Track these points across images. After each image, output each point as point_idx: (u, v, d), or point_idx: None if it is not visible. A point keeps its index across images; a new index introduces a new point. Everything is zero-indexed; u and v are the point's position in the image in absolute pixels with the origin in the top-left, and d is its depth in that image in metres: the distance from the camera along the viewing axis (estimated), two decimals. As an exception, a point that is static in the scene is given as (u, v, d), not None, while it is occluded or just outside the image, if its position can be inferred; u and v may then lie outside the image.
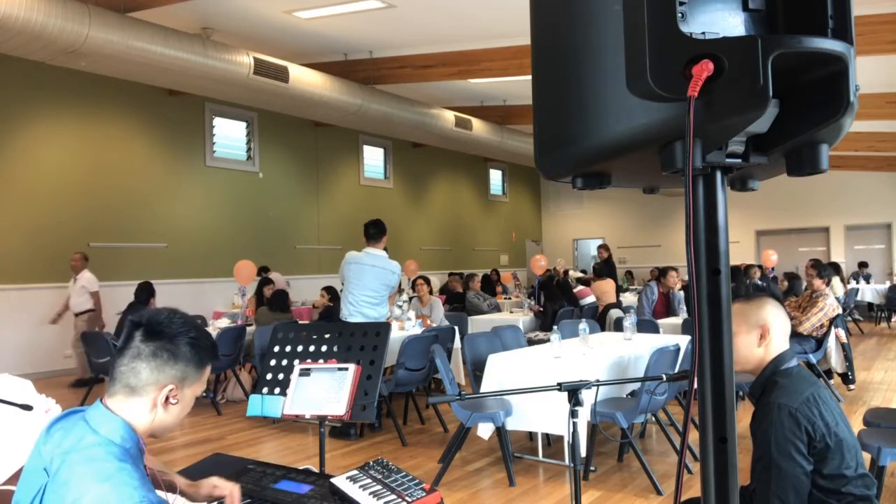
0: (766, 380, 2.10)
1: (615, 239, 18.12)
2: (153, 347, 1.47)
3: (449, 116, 12.43)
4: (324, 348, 2.90)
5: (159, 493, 1.51)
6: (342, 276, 5.82)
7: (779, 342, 2.14)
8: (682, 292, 8.14)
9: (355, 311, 5.68)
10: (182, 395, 1.50)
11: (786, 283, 9.02)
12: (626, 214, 18.68)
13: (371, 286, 5.70)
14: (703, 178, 1.01)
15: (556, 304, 8.71)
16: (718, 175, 1.01)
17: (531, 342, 6.85)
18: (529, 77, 1.10)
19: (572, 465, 2.29)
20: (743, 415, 5.52)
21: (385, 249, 5.83)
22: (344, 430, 5.56)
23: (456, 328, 7.06)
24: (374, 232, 5.77)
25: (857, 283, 14.06)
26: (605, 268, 10.31)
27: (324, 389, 2.71)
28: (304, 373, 2.78)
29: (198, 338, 1.51)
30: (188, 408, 1.55)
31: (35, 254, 9.02)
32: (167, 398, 1.47)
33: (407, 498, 1.80)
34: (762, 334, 2.11)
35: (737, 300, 2.19)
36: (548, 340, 5.31)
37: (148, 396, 1.46)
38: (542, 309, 9.38)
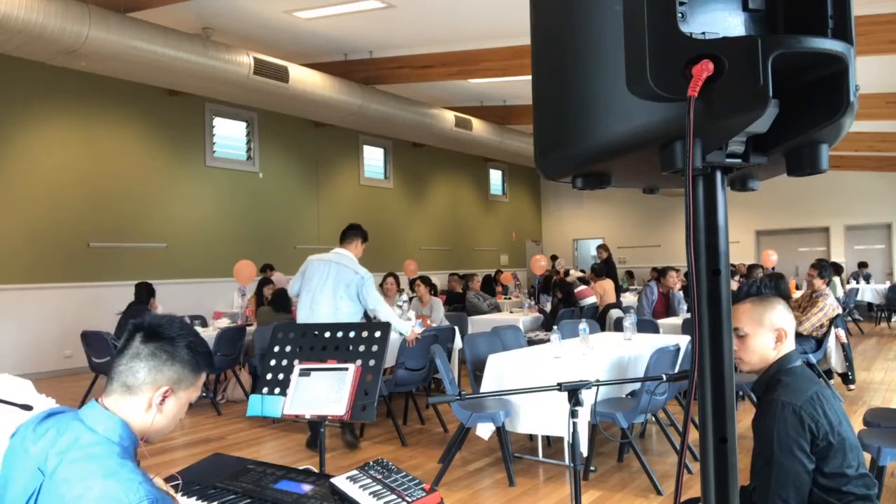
0: (771, 378, 2.10)
1: (615, 239, 18.12)
2: (152, 348, 1.50)
3: (449, 116, 12.43)
4: (324, 348, 2.90)
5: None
6: (300, 281, 5.35)
7: (789, 343, 2.15)
8: (681, 292, 8.14)
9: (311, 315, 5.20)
10: (177, 398, 1.53)
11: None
12: (626, 214, 18.68)
13: (333, 287, 5.22)
14: (703, 178, 1.01)
15: (565, 303, 8.76)
16: (718, 175, 1.01)
17: (531, 342, 6.85)
18: (529, 77, 1.10)
19: (572, 465, 2.29)
20: (743, 415, 5.52)
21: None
22: (352, 443, 5.29)
23: (456, 328, 7.06)
24: (347, 235, 5.42)
25: (857, 283, 14.05)
26: (604, 268, 10.31)
27: (324, 389, 2.71)
28: (304, 373, 2.78)
29: (196, 343, 1.55)
30: (182, 412, 1.58)
31: (35, 254, 9.02)
32: (162, 399, 1.50)
33: (407, 498, 1.80)
34: (778, 337, 2.12)
35: (746, 301, 2.19)
36: (548, 340, 5.30)
37: (144, 396, 1.49)
38: (542, 308, 9.39)
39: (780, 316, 2.14)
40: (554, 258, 16.02)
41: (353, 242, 5.40)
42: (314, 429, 5.32)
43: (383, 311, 5.32)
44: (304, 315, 5.28)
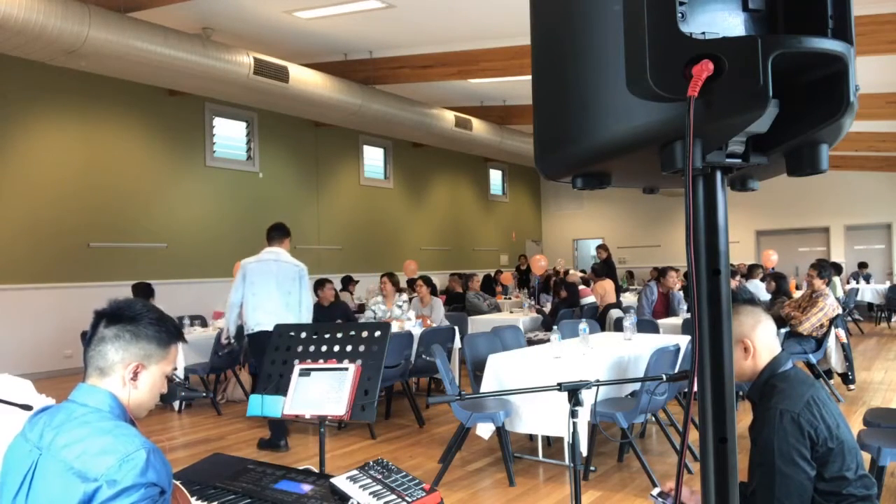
0: (765, 384, 2.08)
1: (615, 239, 18.12)
2: (116, 330, 1.59)
3: (449, 116, 12.42)
4: (324, 348, 2.91)
5: None
6: (241, 287, 5.50)
7: (766, 349, 2.12)
8: (681, 292, 8.14)
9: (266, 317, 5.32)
10: (149, 372, 1.61)
11: (773, 284, 9.00)
12: (626, 214, 18.68)
13: (279, 285, 5.49)
14: (703, 178, 1.01)
15: (567, 304, 8.76)
16: (718, 175, 1.01)
17: (531, 342, 6.85)
18: (529, 77, 1.10)
19: (572, 465, 2.29)
20: (743, 415, 5.51)
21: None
22: (275, 444, 5.33)
23: (456, 328, 7.06)
24: (276, 235, 5.77)
25: (857, 283, 14.05)
26: (604, 268, 10.31)
27: (324, 389, 2.71)
28: (304, 373, 2.78)
29: (159, 318, 1.63)
30: (159, 386, 1.65)
31: (35, 254, 9.02)
32: (135, 374, 1.58)
33: (407, 498, 1.80)
34: (745, 348, 2.10)
35: None
36: (548, 340, 5.30)
37: (117, 374, 1.57)
38: (541, 308, 9.39)
39: (744, 327, 2.09)
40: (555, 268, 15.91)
41: (283, 240, 5.79)
42: (274, 428, 5.36)
43: (309, 304, 5.60)
44: (257, 317, 5.39)
